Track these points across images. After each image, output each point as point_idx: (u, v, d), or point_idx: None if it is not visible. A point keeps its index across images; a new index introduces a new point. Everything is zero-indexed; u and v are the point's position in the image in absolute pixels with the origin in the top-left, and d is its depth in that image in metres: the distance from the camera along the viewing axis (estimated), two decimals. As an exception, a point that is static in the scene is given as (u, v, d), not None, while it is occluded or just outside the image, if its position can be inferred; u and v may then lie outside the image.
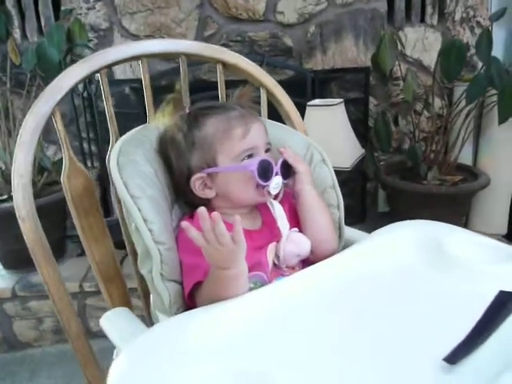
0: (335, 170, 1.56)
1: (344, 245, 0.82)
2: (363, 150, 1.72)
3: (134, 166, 0.67)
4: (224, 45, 1.90)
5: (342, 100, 1.64)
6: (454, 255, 0.66)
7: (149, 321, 0.75)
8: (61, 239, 1.94)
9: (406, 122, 1.93)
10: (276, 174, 0.70)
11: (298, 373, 0.45)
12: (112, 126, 0.82)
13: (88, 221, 0.80)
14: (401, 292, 0.63)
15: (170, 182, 0.74)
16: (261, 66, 1.83)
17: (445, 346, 0.49)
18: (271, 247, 0.69)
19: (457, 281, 0.63)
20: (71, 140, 1.97)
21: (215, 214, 0.53)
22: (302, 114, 1.59)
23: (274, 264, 0.70)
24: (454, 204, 1.72)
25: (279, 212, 0.71)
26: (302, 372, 0.46)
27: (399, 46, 1.73)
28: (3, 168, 1.82)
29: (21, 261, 1.78)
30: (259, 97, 0.96)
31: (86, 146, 1.90)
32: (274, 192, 0.70)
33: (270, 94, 0.98)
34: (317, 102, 1.65)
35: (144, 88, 0.86)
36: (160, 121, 0.72)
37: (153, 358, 0.44)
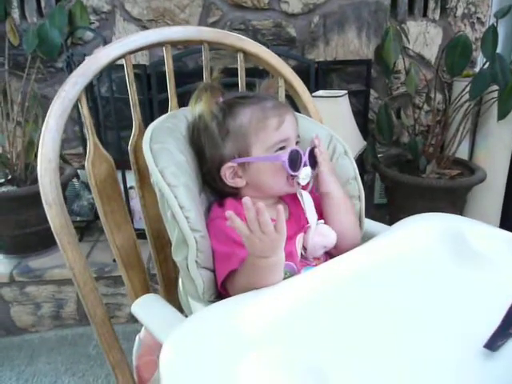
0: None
1: (363, 236, 0.84)
2: (365, 142, 1.74)
3: (167, 154, 0.67)
4: (227, 32, 1.89)
5: (346, 91, 1.65)
6: (477, 248, 0.69)
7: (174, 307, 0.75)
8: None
9: (405, 115, 1.95)
10: (305, 165, 0.71)
11: (348, 363, 0.47)
12: (136, 112, 0.82)
13: (111, 207, 0.80)
14: (426, 284, 0.64)
15: (199, 170, 0.74)
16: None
17: (478, 335, 0.51)
18: (299, 238, 0.71)
19: (482, 273, 0.65)
20: (73, 124, 1.96)
21: (260, 204, 0.54)
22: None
23: (301, 254, 0.71)
24: (451, 197, 1.76)
25: (308, 202, 0.73)
26: (350, 363, 0.47)
27: (404, 40, 1.75)
28: (1, 151, 1.79)
29: (19, 246, 1.76)
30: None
31: (85, 131, 1.87)
32: (303, 183, 0.71)
33: (288, 84, 0.99)
34: (321, 92, 1.66)
35: (167, 75, 0.86)
36: (193, 108, 0.72)
37: (197, 347, 0.45)
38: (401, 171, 1.84)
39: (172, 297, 0.84)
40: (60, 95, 0.73)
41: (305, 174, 0.71)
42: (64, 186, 1.81)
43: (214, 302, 0.60)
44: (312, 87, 1.81)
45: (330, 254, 0.77)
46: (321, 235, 0.71)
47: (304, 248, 0.71)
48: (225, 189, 0.73)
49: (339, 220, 0.75)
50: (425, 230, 0.73)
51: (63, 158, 1.90)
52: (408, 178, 1.76)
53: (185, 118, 0.76)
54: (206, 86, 0.71)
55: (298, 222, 0.73)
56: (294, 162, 0.70)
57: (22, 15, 1.83)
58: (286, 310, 0.55)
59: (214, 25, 1.89)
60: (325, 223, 0.74)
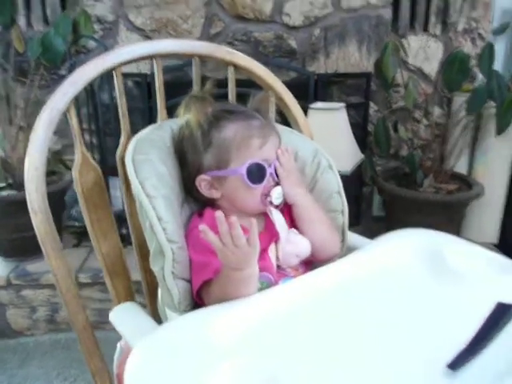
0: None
1: (346, 250, 0.84)
2: (362, 155, 1.74)
3: (149, 165, 0.68)
4: (229, 43, 1.91)
5: (343, 104, 1.66)
6: (454, 265, 0.69)
7: (153, 316, 0.76)
8: (57, 230, 1.93)
9: (404, 128, 1.96)
10: (270, 176, 0.73)
11: (307, 376, 0.47)
12: (124, 123, 0.84)
13: (97, 215, 0.81)
14: (402, 300, 0.65)
15: (181, 180, 0.75)
16: (265, 66, 1.86)
17: (445, 353, 0.51)
18: (272, 248, 0.72)
19: (457, 291, 0.65)
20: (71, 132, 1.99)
21: (233, 218, 0.55)
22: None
23: (278, 265, 0.72)
24: (449, 212, 1.76)
25: (277, 218, 0.73)
26: (309, 375, 0.48)
27: (402, 54, 1.76)
28: (3, 156, 1.82)
29: (17, 249, 1.78)
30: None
31: (87, 137, 1.90)
32: (276, 202, 0.73)
33: (278, 98, 1.00)
34: (319, 105, 1.67)
35: (157, 88, 0.87)
36: (183, 116, 0.73)
37: (166, 354, 0.46)
38: (399, 185, 1.85)
39: (156, 305, 0.85)
40: (48, 105, 0.75)
41: (277, 193, 0.73)
42: (63, 191, 1.83)
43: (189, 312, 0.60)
44: (311, 99, 1.82)
45: (310, 265, 0.78)
46: (292, 244, 0.72)
47: (277, 258, 0.72)
48: (201, 198, 0.74)
49: (312, 230, 0.76)
50: (404, 245, 0.74)
51: (64, 164, 1.92)
52: (405, 191, 1.76)
53: (170, 130, 0.78)
54: (195, 96, 0.73)
55: (271, 234, 0.74)
56: (254, 174, 0.71)
57: (28, 23, 1.87)
58: (259, 321, 0.55)
59: (216, 36, 1.91)
60: (299, 233, 0.75)
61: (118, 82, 0.82)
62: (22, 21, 1.86)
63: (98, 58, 0.81)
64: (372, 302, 0.63)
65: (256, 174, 0.71)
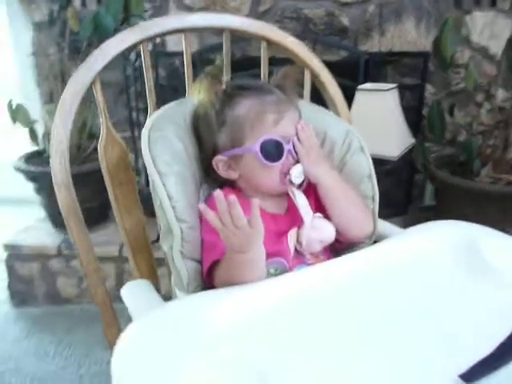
0: (381, 159, 1.49)
1: (376, 239, 0.79)
2: (413, 140, 1.64)
3: (163, 141, 0.67)
4: (278, 21, 1.86)
5: (395, 85, 1.56)
6: (492, 262, 0.62)
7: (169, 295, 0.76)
8: (105, 204, 2.01)
9: (464, 113, 1.81)
10: (292, 158, 0.68)
11: (298, 372, 0.44)
12: (151, 98, 0.83)
13: (121, 190, 0.81)
14: (425, 298, 0.59)
15: (200, 159, 0.73)
16: (314, 45, 1.79)
17: (465, 360, 0.46)
18: (292, 233, 0.68)
19: (490, 290, 0.58)
20: (122, 109, 2.04)
21: (232, 197, 0.52)
22: (352, 98, 1.55)
23: (297, 250, 0.68)
24: (507, 205, 1.61)
25: (301, 201, 0.69)
26: (301, 372, 0.44)
27: (464, 31, 1.61)
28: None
29: (67, 221, 1.87)
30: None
31: (134, 115, 1.94)
32: (296, 181, 0.69)
33: (314, 76, 0.95)
34: (368, 86, 1.58)
35: (185, 63, 0.85)
36: (196, 95, 0.71)
37: (158, 336, 0.45)
38: (452, 173, 1.72)
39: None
40: (73, 79, 0.75)
41: (297, 171, 0.68)
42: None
43: (199, 293, 0.59)
44: (361, 80, 1.73)
45: (334, 250, 0.73)
46: (315, 230, 0.68)
47: (300, 243, 0.68)
48: (220, 179, 0.71)
49: (339, 210, 0.71)
50: (435, 237, 0.67)
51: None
52: (459, 180, 1.64)
53: (192, 105, 0.75)
54: (206, 74, 0.70)
55: (294, 217, 0.70)
56: (270, 152, 0.67)
57: (83, 2, 1.92)
58: (255, 311, 0.52)
59: (264, 14, 1.86)
60: (324, 216, 0.70)
61: (144, 56, 0.81)
62: (77, 1, 1.91)
63: (127, 31, 0.80)
64: (389, 299, 0.58)
65: (272, 151, 0.67)
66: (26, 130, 1.86)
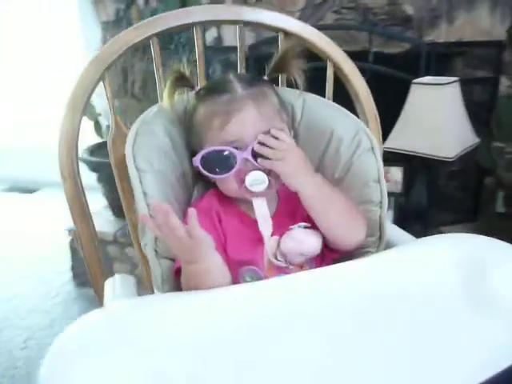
0: (435, 160, 1.36)
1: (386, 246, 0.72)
2: (477, 139, 1.48)
3: (149, 137, 0.66)
4: (335, 12, 1.78)
5: (455, 79, 1.41)
6: (496, 286, 0.53)
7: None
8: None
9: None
10: (245, 162, 0.62)
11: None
12: (161, 94, 0.83)
13: (128, 183, 0.82)
14: (416, 320, 0.52)
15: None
16: (370, 36, 1.69)
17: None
18: (272, 241, 0.63)
19: (488, 322, 0.50)
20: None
21: (166, 206, 0.49)
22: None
23: (277, 259, 0.63)
24: None
25: (260, 214, 0.63)
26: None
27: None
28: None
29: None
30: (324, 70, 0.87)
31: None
32: (253, 189, 0.62)
33: (337, 68, 0.88)
34: (425, 79, 1.45)
35: (197, 56, 0.84)
36: (167, 99, 0.68)
37: (88, 341, 0.44)
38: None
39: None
40: (82, 74, 0.77)
41: (253, 179, 0.61)
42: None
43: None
44: (422, 73, 1.59)
45: (332, 258, 0.68)
46: (295, 241, 0.62)
47: (280, 253, 0.63)
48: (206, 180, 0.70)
49: (320, 221, 0.64)
50: (438, 254, 0.59)
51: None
52: (530, 186, 1.45)
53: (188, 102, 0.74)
54: (172, 78, 0.67)
55: (279, 223, 0.65)
56: (213, 164, 0.62)
57: (146, 1, 1.99)
58: (197, 321, 0.48)
59: (321, 4, 1.79)
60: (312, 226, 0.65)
61: (154, 51, 0.81)
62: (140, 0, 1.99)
63: (136, 26, 0.80)
64: (372, 317, 0.52)
65: (217, 162, 0.62)
66: (92, 123, 1.99)
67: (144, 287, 0.83)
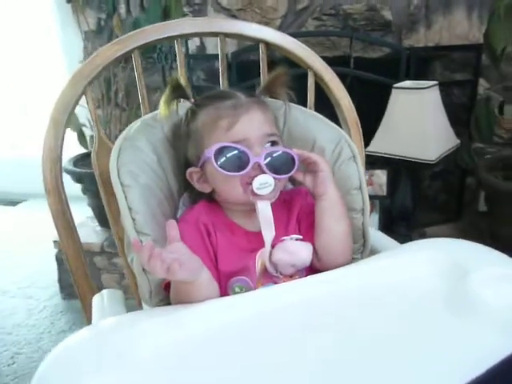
0: (418, 162, 1.38)
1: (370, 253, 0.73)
2: (457, 141, 1.51)
3: (133, 151, 0.66)
4: (316, 19, 1.80)
5: (435, 82, 1.44)
6: (476, 290, 0.54)
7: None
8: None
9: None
10: (259, 169, 0.62)
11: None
12: (144, 107, 0.83)
13: (114, 197, 0.82)
14: (400, 325, 0.53)
15: (179, 171, 0.72)
16: (351, 41, 1.71)
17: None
18: (262, 252, 0.64)
19: (469, 326, 0.51)
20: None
21: (149, 243, 0.50)
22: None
23: (267, 270, 0.64)
24: None
25: (264, 217, 0.63)
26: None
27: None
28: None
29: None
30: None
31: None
32: (259, 192, 0.62)
33: (318, 77, 0.90)
34: (406, 83, 1.48)
35: (179, 68, 0.85)
36: (163, 111, 0.69)
37: (74, 361, 0.44)
38: (506, 178, 1.56)
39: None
40: (65, 90, 0.77)
41: (259, 182, 0.61)
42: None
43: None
44: (401, 77, 1.62)
45: (314, 270, 0.69)
46: (286, 253, 0.62)
47: (271, 264, 0.64)
48: (200, 193, 0.70)
49: (329, 227, 0.65)
50: (424, 259, 0.60)
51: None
52: (510, 185, 1.48)
53: (170, 116, 0.74)
54: (174, 88, 0.68)
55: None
56: (230, 160, 0.61)
57: (128, 10, 1.99)
58: (187, 335, 0.49)
59: (302, 11, 1.81)
60: (306, 236, 0.66)
61: (135, 64, 0.81)
62: (123, 8, 1.98)
63: (117, 40, 0.81)
64: (358, 324, 0.53)
65: (229, 159, 0.62)
66: (75, 134, 1.97)
67: (132, 296, 0.83)
